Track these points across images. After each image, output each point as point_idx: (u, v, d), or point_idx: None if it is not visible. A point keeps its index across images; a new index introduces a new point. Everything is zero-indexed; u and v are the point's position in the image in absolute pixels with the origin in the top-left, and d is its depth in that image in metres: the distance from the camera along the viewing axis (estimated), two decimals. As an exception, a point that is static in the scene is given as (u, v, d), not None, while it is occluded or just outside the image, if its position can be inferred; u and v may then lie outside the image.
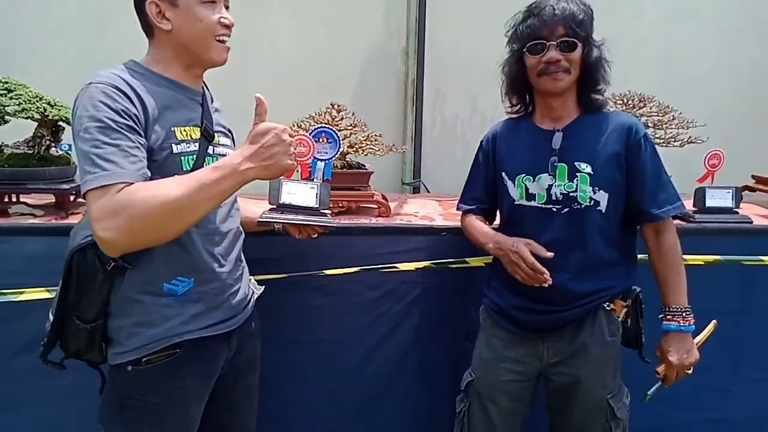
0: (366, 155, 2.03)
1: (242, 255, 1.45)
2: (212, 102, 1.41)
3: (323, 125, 1.66)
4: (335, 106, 2.01)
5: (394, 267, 1.86)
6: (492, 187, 1.65)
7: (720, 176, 2.10)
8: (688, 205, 2.09)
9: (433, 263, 1.88)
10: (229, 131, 1.47)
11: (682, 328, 1.49)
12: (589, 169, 1.45)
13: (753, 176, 2.55)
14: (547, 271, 1.41)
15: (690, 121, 2.08)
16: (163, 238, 1.11)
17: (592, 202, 1.45)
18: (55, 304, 1.23)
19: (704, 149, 2.07)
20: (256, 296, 1.51)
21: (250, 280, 1.51)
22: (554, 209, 1.48)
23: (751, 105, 2.92)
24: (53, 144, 1.91)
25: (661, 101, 2.12)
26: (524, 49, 1.46)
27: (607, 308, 1.51)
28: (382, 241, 1.89)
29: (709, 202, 2.03)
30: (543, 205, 1.49)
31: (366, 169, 2.08)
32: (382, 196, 2.10)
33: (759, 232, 1.99)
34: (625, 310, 1.52)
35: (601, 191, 1.45)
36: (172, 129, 1.21)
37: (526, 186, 1.51)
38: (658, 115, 2.08)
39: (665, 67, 2.92)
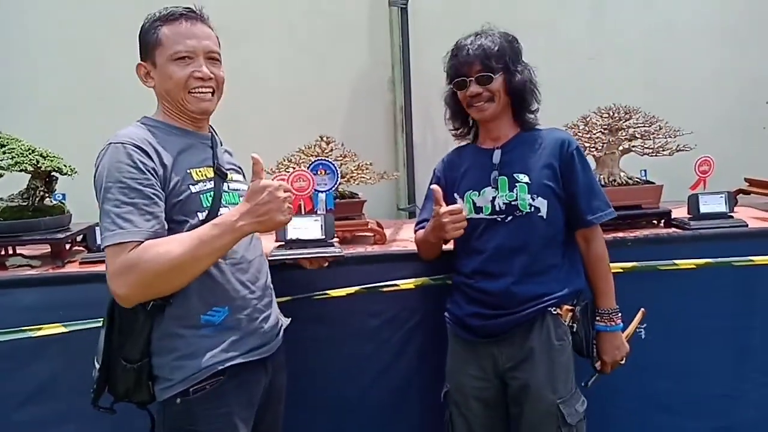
0: (358, 184, 2.04)
1: (269, 281, 1.51)
2: (221, 145, 1.50)
3: (320, 158, 1.75)
4: (324, 138, 2.04)
5: (396, 285, 1.87)
6: None
7: (712, 182, 2.11)
8: (683, 212, 2.10)
9: (431, 279, 1.89)
10: (240, 168, 1.56)
11: (609, 328, 1.64)
12: (526, 179, 1.57)
13: (746, 179, 2.56)
14: (459, 204, 1.55)
15: (677, 130, 2.10)
16: (172, 289, 1.23)
17: (533, 208, 1.56)
18: (101, 349, 1.31)
19: (694, 156, 2.08)
20: (284, 327, 1.55)
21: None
22: (499, 219, 1.59)
23: (738, 110, 2.94)
24: (47, 194, 1.93)
25: (648, 112, 2.14)
26: (451, 85, 1.64)
27: (554, 312, 1.58)
28: (380, 268, 1.89)
29: (703, 208, 2.03)
30: (489, 216, 1.60)
31: (359, 197, 2.09)
32: (376, 223, 2.11)
33: (755, 235, 1.99)
34: (570, 314, 1.59)
35: (540, 198, 1.56)
36: (188, 171, 1.31)
37: (473, 201, 1.62)
38: (644, 126, 2.09)
39: (651, 79, 2.95)
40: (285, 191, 1.24)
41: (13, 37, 2.67)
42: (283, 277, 1.78)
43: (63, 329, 1.69)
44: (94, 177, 1.25)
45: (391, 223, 2.48)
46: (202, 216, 1.30)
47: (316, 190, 1.66)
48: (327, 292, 1.85)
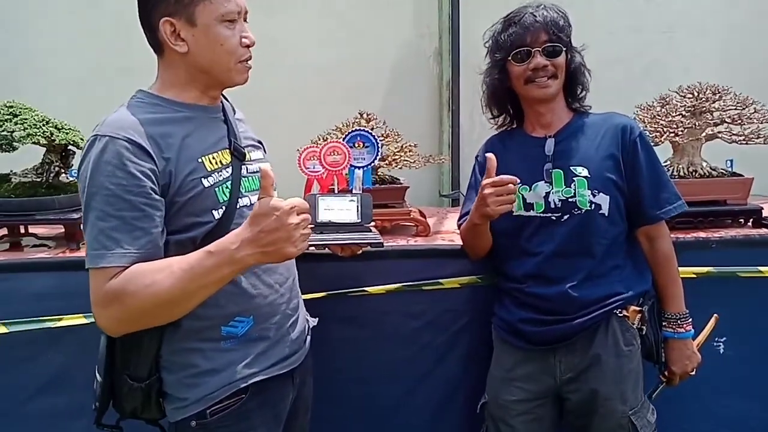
0: (400, 168, 1.82)
1: (297, 281, 1.34)
2: (234, 113, 1.29)
3: (358, 128, 1.53)
4: (364, 115, 1.82)
5: (439, 283, 1.67)
6: None
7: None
8: (776, 210, 1.81)
9: (479, 278, 1.68)
10: (259, 142, 1.35)
11: (677, 335, 1.49)
12: (585, 173, 1.42)
13: None
14: (512, 177, 1.35)
15: (774, 114, 1.80)
16: (163, 323, 1.06)
17: (593, 206, 1.41)
18: (102, 364, 1.15)
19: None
20: (311, 327, 1.40)
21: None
22: (554, 217, 1.43)
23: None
24: (63, 170, 1.78)
25: (739, 93, 1.84)
26: (509, 58, 1.45)
27: (620, 315, 1.44)
28: (423, 264, 1.69)
29: (803, 207, 1.74)
30: (542, 214, 1.44)
31: (401, 183, 1.88)
32: (420, 212, 1.90)
33: None
34: (639, 315, 1.45)
35: (601, 194, 1.41)
36: (200, 161, 1.10)
37: (523, 196, 1.46)
38: (736, 108, 1.80)
39: (726, 55, 2.61)
40: (300, 213, 1.00)
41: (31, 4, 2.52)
42: (312, 270, 1.59)
43: (83, 320, 1.54)
44: (78, 171, 1.06)
45: (434, 211, 2.27)
46: (218, 214, 1.10)
47: (352, 165, 1.45)
48: (364, 288, 1.66)
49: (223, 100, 1.25)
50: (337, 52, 2.56)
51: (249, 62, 1.16)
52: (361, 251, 1.39)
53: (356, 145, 1.47)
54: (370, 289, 1.66)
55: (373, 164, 1.49)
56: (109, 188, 0.99)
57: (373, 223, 1.44)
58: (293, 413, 1.30)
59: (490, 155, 1.36)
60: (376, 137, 1.47)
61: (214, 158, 1.13)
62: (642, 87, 2.24)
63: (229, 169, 1.14)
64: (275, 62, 2.52)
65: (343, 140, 1.45)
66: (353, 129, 1.48)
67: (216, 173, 1.12)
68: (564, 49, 1.43)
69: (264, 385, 1.17)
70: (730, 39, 2.65)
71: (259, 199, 0.98)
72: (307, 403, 1.39)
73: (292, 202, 0.99)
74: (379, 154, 1.50)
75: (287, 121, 2.45)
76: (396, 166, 1.83)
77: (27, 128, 1.64)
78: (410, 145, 1.85)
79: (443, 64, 2.50)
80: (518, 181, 1.36)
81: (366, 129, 1.49)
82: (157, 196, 1.03)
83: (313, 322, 1.42)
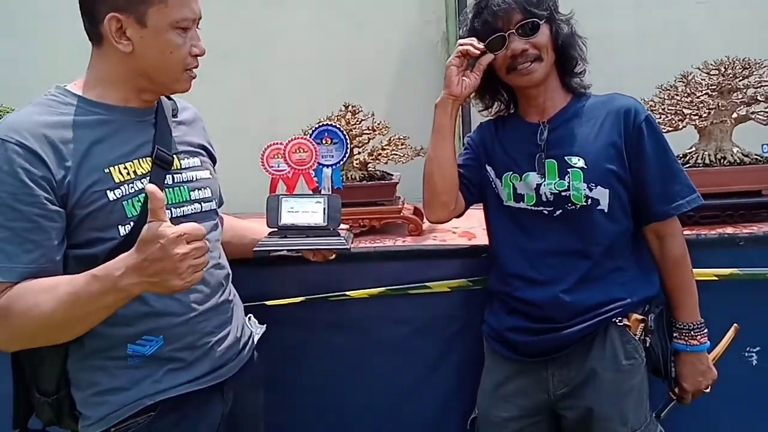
0: (386, 163, 1.71)
1: (231, 293, 1.25)
2: (175, 115, 1.19)
3: (325, 123, 1.43)
4: (349, 107, 1.71)
5: (426, 287, 1.56)
6: (478, 181, 1.47)
7: None
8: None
9: (470, 281, 1.56)
10: (201, 147, 1.24)
11: (690, 348, 1.33)
12: (581, 163, 1.29)
13: None
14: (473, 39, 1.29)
15: (818, 89, 1.55)
16: (57, 343, 1.00)
17: (590, 201, 1.28)
18: (12, 373, 1.10)
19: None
20: (256, 338, 1.31)
21: (248, 318, 1.33)
22: (545, 212, 1.32)
23: None
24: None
25: (775, 65, 1.60)
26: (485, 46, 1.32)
27: (619, 324, 1.30)
28: (410, 266, 1.58)
29: None
30: (533, 207, 1.34)
31: (391, 179, 1.76)
32: (414, 209, 1.78)
33: None
34: (642, 325, 1.31)
35: (599, 187, 1.28)
36: (107, 171, 1.01)
37: (513, 185, 1.36)
38: (771, 84, 1.57)
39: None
40: (191, 241, 0.90)
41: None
42: (292, 273, 1.57)
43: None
44: None
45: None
46: (124, 230, 1.02)
47: (319, 163, 1.36)
48: (346, 293, 1.56)
49: (163, 100, 1.17)
50: (341, 43, 2.48)
51: (194, 71, 1.10)
52: (333, 256, 1.31)
53: (324, 141, 1.38)
54: (352, 293, 1.56)
55: (342, 162, 1.39)
56: (0, 197, 0.93)
57: (344, 227, 1.34)
58: (232, 428, 1.21)
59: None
60: (345, 133, 1.36)
61: (126, 168, 1.04)
62: (674, 67, 2.01)
63: (146, 180, 1.05)
64: (278, 56, 2.46)
65: (310, 136, 1.36)
66: (321, 124, 1.38)
67: (126, 185, 1.03)
68: (543, 23, 1.28)
69: (179, 402, 1.08)
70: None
71: (147, 223, 0.89)
72: (254, 420, 1.30)
73: (180, 229, 0.89)
74: (348, 151, 1.40)
75: (291, 116, 2.38)
76: (383, 161, 1.71)
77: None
78: (399, 138, 1.72)
79: (451, 50, 2.36)
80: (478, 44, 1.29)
81: (333, 124, 1.38)
82: (53, 207, 0.96)
83: (260, 331, 1.34)
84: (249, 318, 1.34)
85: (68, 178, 0.97)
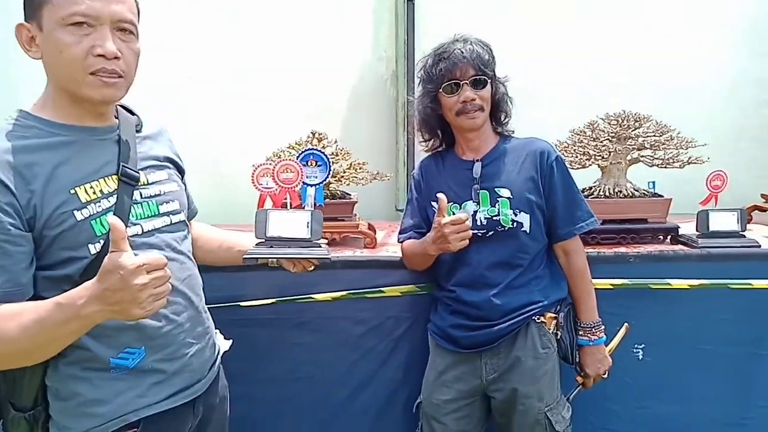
0: (348, 185, 1.95)
1: (203, 306, 1.28)
2: (139, 130, 1.19)
3: (311, 147, 1.60)
4: (316, 135, 1.95)
5: (381, 291, 1.79)
6: (427, 219, 1.69)
7: (725, 197, 1.98)
8: (691, 228, 1.98)
9: (417, 287, 1.81)
10: (168, 159, 1.24)
11: (591, 342, 1.63)
12: (507, 194, 1.56)
13: (762, 195, 2.44)
14: (464, 214, 1.49)
15: (689, 141, 1.98)
16: (18, 367, 1.00)
17: (515, 224, 1.55)
18: None
19: (706, 170, 1.96)
20: (221, 353, 1.37)
21: (216, 332, 1.37)
22: (479, 234, 1.55)
23: (755, 123, 2.79)
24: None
25: (659, 120, 2.02)
26: (440, 90, 1.56)
27: (538, 321, 1.58)
28: (367, 274, 1.81)
29: (713, 226, 1.92)
30: (470, 230, 1.50)
31: (350, 198, 2.00)
32: (368, 225, 2.03)
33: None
34: (554, 321, 1.59)
35: (522, 213, 1.55)
36: (73, 192, 1.01)
37: (453, 213, 1.56)
38: (655, 135, 1.98)
39: (664, 85, 2.81)
40: (151, 270, 0.91)
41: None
42: (265, 277, 1.74)
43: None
44: None
45: (386, 225, 2.39)
46: (95, 249, 1.02)
47: (304, 183, 1.53)
48: (312, 296, 1.78)
49: (125, 116, 1.15)
50: (301, 73, 2.68)
51: (104, 75, 1.01)
52: (312, 267, 1.42)
53: (309, 163, 1.55)
54: (317, 296, 1.77)
55: (324, 182, 1.57)
56: None
57: (323, 240, 1.47)
58: None
59: (441, 196, 1.46)
60: (328, 157, 1.55)
61: (92, 187, 1.03)
62: (584, 116, 2.33)
63: (114, 198, 1.05)
64: (237, 84, 2.63)
65: (297, 158, 1.53)
66: (307, 148, 1.56)
67: (93, 204, 1.02)
68: (489, 81, 1.55)
69: (160, 418, 1.10)
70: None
71: (108, 254, 0.90)
72: (220, 427, 1.34)
73: (141, 260, 0.90)
74: (330, 173, 1.58)
75: (246, 141, 2.54)
76: (345, 183, 1.95)
77: None
78: (359, 163, 1.97)
79: (399, 87, 2.64)
80: (470, 216, 1.51)
81: (318, 148, 1.57)
82: (19, 232, 0.95)
83: (225, 346, 1.39)
84: (216, 333, 1.38)
85: (33, 201, 0.97)
